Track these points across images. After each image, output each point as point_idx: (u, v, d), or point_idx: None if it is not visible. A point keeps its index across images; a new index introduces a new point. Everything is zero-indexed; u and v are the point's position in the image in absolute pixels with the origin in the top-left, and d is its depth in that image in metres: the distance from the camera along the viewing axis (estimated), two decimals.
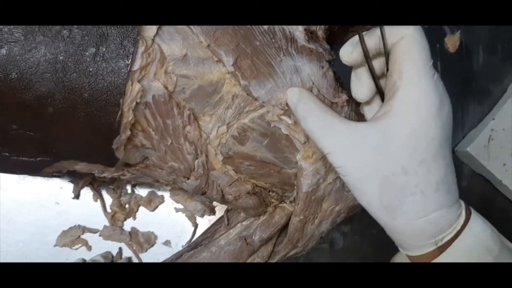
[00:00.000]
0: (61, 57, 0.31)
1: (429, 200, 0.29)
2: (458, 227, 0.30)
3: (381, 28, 0.29)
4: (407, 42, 0.28)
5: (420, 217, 0.29)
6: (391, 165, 0.28)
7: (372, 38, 0.30)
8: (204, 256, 0.42)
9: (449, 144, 0.29)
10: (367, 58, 0.30)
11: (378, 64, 0.31)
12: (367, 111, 0.34)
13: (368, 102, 0.33)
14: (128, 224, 0.49)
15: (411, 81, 0.28)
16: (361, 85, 0.32)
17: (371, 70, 0.31)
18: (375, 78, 0.31)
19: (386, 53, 0.29)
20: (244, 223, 0.43)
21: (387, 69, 0.30)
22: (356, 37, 0.31)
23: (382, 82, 0.32)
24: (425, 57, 0.28)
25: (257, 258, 0.42)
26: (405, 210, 0.29)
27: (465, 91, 0.54)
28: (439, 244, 0.29)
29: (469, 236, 0.30)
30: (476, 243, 0.30)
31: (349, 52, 0.32)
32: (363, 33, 0.31)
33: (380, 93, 0.32)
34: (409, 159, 0.28)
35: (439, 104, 0.28)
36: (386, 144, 0.28)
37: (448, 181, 0.29)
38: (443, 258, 0.30)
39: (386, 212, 0.29)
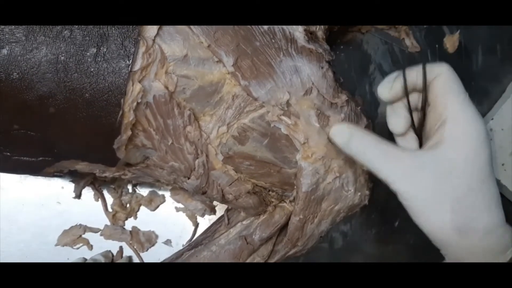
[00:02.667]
0: (62, 57, 0.31)
1: (494, 215, 0.31)
2: None
3: (423, 65, 0.31)
4: (445, 78, 0.31)
5: (488, 232, 0.30)
6: (460, 186, 0.30)
7: (411, 75, 0.32)
8: (204, 255, 0.42)
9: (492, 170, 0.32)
10: (407, 93, 0.33)
11: (412, 99, 0.34)
12: (401, 142, 0.35)
13: (404, 136, 0.35)
14: (129, 224, 0.49)
15: (457, 111, 0.31)
16: (398, 119, 0.34)
17: (409, 105, 0.33)
18: (411, 112, 0.33)
19: (424, 89, 0.32)
20: (244, 222, 0.43)
21: (424, 103, 0.32)
22: (393, 74, 0.33)
23: (414, 115, 0.34)
24: (463, 91, 0.31)
25: (257, 257, 0.42)
26: (477, 227, 0.30)
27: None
28: (507, 260, 0.31)
29: None
30: None
31: (389, 88, 0.33)
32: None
33: (413, 125, 0.34)
34: (471, 178, 0.30)
35: (485, 131, 0.31)
36: (449, 168, 0.30)
37: (499, 198, 0.32)
38: None
39: (459, 232, 0.31)
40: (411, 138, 0.35)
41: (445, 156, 0.31)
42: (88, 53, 0.31)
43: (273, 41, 0.34)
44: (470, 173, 0.30)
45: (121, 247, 0.49)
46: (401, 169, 0.31)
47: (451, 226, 0.31)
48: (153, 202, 0.49)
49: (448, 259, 0.33)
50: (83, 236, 0.48)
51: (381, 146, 0.32)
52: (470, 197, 0.30)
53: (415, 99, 0.34)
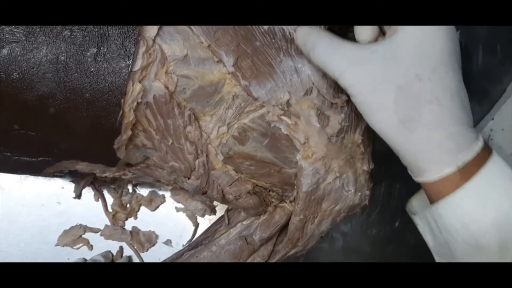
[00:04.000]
0: (62, 57, 0.31)
1: (445, 109, 0.28)
2: (478, 149, 0.29)
3: None
4: None
5: (437, 128, 0.29)
6: (404, 74, 0.28)
7: None
8: (204, 256, 0.42)
9: (459, 65, 0.30)
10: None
11: None
12: None
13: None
14: (129, 224, 0.49)
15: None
16: (364, 29, 0.32)
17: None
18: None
19: None
20: (244, 222, 0.43)
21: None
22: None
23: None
24: None
25: (257, 258, 0.42)
26: (422, 120, 0.28)
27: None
28: (459, 163, 0.29)
29: (495, 166, 0.29)
30: (501, 174, 0.29)
31: (361, 30, 0.32)
32: None
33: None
34: (421, 66, 0.28)
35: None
36: (396, 54, 0.28)
37: (461, 97, 0.29)
38: (469, 188, 0.29)
39: (403, 126, 0.29)
40: None
41: (394, 43, 0.29)
42: (88, 53, 0.31)
43: (273, 41, 0.34)
44: (418, 59, 0.28)
45: (121, 247, 0.49)
46: (349, 59, 0.29)
47: (395, 118, 0.29)
48: (153, 202, 0.49)
49: (402, 159, 0.31)
50: (83, 236, 0.48)
51: (332, 40, 0.30)
52: (415, 85, 0.28)
53: None
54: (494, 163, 0.29)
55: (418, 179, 0.31)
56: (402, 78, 0.28)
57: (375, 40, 0.32)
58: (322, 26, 0.34)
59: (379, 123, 0.30)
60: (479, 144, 0.29)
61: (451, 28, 0.29)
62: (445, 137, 0.29)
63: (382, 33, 0.32)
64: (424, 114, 0.28)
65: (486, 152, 0.30)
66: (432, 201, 0.31)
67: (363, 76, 0.29)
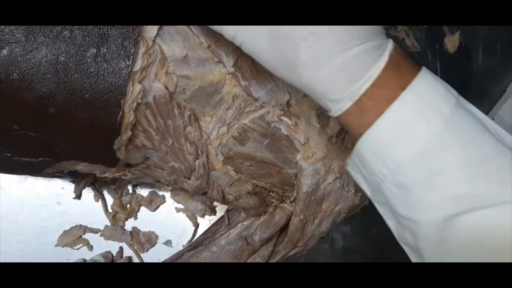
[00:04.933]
0: (62, 58, 0.31)
1: (324, 41, 0.25)
2: (376, 73, 0.25)
3: None
4: None
5: (321, 63, 0.25)
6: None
7: None
8: (204, 256, 0.42)
9: None
10: None
11: None
12: None
13: None
14: (129, 224, 0.49)
15: None
16: None
17: None
18: None
19: None
20: (244, 223, 0.43)
21: None
22: None
23: None
24: None
25: (257, 258, 0.42)
26: (302, 60, 0.26)
27: (465, 91, 0.53)
28: (355, 97, 0.26)
29: (411, 95, 0.26)
30: (419, 103, 0.26)
31: None
32: None
33: None
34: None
35: None
36: None
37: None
38: (381, 124, 0.26)
39: (288, 70, 0.26)
40: None
41: None
42: (88, 54, 0.31)
43: None
44: None
45: (121, 248, 0.49)
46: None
47: (276, 63, 0.27)
48: (153, 203, 0.49)
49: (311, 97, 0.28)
50: (83, 236, 0.48)
51: None
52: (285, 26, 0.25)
53: None
54: (415, 88, 0.26)
55: (329, 114, 0.28)
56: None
57: None
58: None
59: (270, 69, 0.28)
60: (379, 65, 0.25)
61: None
62: (332, 70, 0.25)
63: None
64: (303, 53, 0.25)
65: (401, 72, 0.26)
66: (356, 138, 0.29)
67: (240, 27, 0.27)
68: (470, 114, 0.27)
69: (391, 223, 0.31)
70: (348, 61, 0.25)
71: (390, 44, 0.26)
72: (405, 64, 0.27)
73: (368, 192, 0.31)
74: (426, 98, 0.26)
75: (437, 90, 0.26)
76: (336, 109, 0.27)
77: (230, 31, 0.28)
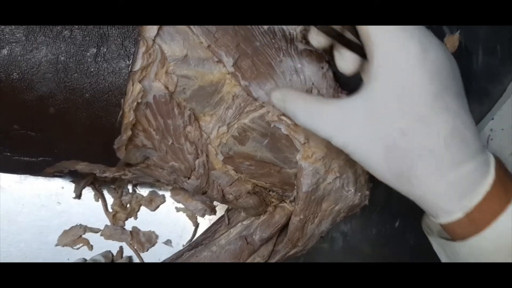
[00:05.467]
0: (62, 58, 0.31)
1: (440, 158, 0.27)
2: (485, 188, 0.27)
3: None
4: None
5: (435, 179, 0.27)
6: (387, 131, 0.27)
7: None
8: (204, 256, 0.42)
9: (453, 92, 0.27)
10: (334, 35, 0.29)
11: (351, 35, 0.30)
12: (365, 79, 0.32)
13: (363, 70, 0.31)
14: (129, 224, 0.49)
15: (381, 40, 0.26)
16: (344, 60, 0.30)
17: (346, 43, 0.29)
18: (355, 47, 0.29)
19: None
20: (244, 222, 0.43)
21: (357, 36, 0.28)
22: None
23: None
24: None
25: (257, 258, 0.42)
26: (418, 174, 0.27)
27: (464, 91, 0.54)
28: (467, 209, 0.27)
29: None
30: None
31: (314, 36, 0.30)
32: None
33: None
34: (404, 119, 0.26)
35: (419, 52, 0.26)
36: (376, 111, 0.27)
37: (461, 133, 0.27)
38: (487, 234, 0.27)
39: (400, 181, 0.28)
40: None
41: (371, 97, 0.27)
42: (88, 53, 0.31)
43: (273, 41, 0.34)
44: (399, 113, 0.26)
45: (121, 247, 0.49)
46: (333, 124, 0.28)
47: (390, 175, 0.28)
48: (153, 202, 0.49)
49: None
50: (83, 236, 0.48)
51: (309, 105, 0.29)
52: (402, 141, 0.27)
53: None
54: None
55: (433, 220, 0.30)
56: (386, 136, 0.27)
57: (358, 68, 0.31)
58: (312, 90, 0.34)
59: (380, 178, 0.29)
60: (487, 181, 0.27)
61: (433, 65, 0.26)
62: (446, 185, 0.27)
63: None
64: (418, 168, 0.27)
65: (505, 185, 0.28)
66: (450, 235, 0.30)
67: (350, 138, 0.28)
68: None
69: None
70: (461, 177, 0.27)
71: (492, 159, 0.28)
72: (507, 177, 0.28)
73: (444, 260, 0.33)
74: None
75: None
76: (446, 218, 0.28)
77: (341, 140, 0.29)
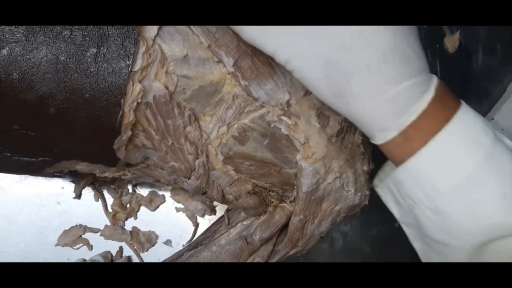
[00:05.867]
0: (62, 58, 0.31)
1: (379, 75, 0.26)
2: (422, 107, 0.27)
3: None
4: None
5: (373, 96, 0.27)
6: (330, 46, 0.26)
7: None
8: (204, 256, 0.42)
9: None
10: None
11: None
12: None
13: None
14: (129, 224, 0.49)
15: None
16: None
17: None
18: None
19: None
20: (244, 222, 0.43)
21: None
22: None
23: None
24: None
25: (257, 258, 0.42)
26: (354, 91, 0.27)
27: (464, 91, 0.54)
28: (402, 127, 0.27)
29: (455, 128, 0.27)
30: (463, 135, 0.27)
31: None
32: None
33: None
34: (346, 34, 0.26)
35: None
36: (324, 26, 0.26)
37: (403, 51, 0.26)
38: (425, 152, 0.27)
39: (339, 99, 0.28)
40: None
41: None
42: (88, 53, 0.31)
43: None
44: (341, 28, 0.26)
45: (121, 247, 0.49)
46: (280, 37, 0.28)
47: (329, 93, 0.28)
48: (153, 202, 0.49)
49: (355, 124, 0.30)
50: (83, 236, 0.48)
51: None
52: (342, 57, 0.26)
53: None
54: (458, 120, 0.27)
55: (371, 141, 0.30)
56: (328, 52, 0.27)
57: None
58: None
59: (319, 96, 0.29)
60: (425, 99, 0.27)
61: None
62: (382, 103, 0.27)
63: None
64: (355, 85, 0.27)
65: (445, 105, 0.27)
66: (395, 165, 0.30)
67: (294, 53, 0.28)
68: (506, 148, 0.28)
69: (417, 244, 0.33)
70: (398, 94, 0.27)
71: (435, 79, 0.28)
72: (449, 98, 0.28)
73: (396, 213, 0.33)
74: (469, 131, 0.28)
75: (477, 124, 0.28)
76: (381, 138, 0.28)
77: (283, 56, 0.28)
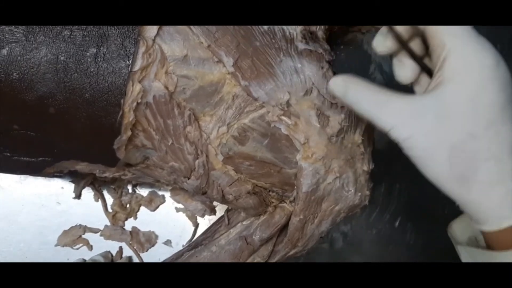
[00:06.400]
0: (62, 58, 0.31)
1: (504, 165, 0.28)
2: None
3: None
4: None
5: (496, 185, 0.28)
6: (457, 132, 0.28)
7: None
8: (204, 256, 0.42)
9: None
10: (402, 41, 0.30)
11: (415, 46, 0.31)
12: (418, 91, 0.33)
13: (418, 82, 0.32)
14: (129, 224, 0.49)
15: (456, 44, 0.28)
16: (403, 68, 0.32)
17: (410, 52, 0.30)
18: (417, 58, 0.31)
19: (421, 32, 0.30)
20: (244, 222, 0.43)
21: (427, 47, 0.30)
22: (385, 27, 0.31)
23: (426, 61, 0.31)
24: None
25: (257, 258, 0.42)
26: (479, 178, 0.28)
27: None
28: None
29: None
30: None
31: (382, 41, 0.31)
32: None
33: (426, 71, 0.32)
34: (474, 124, 0.27)
35: (493, 62, 0.27)
36: (447, 111, 0.28)
37: None
38: None
39: (459, 184, 0.28)
40: (426, 84, 0.32)
41: (444, 97, 0.28)
42: (88, 53, 0.31)
43: (273, 41, 0.34)
44: (471, 117, 0.27)
45: (120, 248, 0.49)
46: (400, 114, 0.29)
47: (449, 176, 0.28)
48: (153, 203, 0.49)
49: (461, 207, 0.30)
50: (83, 236, 0.48)
51: (378, 94, 0.30)
52: (469, 144, 0.28)
53: (418, 43, 0.31)
54: None
55: (477, 227, 0.31)
56: (455, 137, 0.28)
57: (419, 80, 0.32)
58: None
59: (435, 178, 0.29)
60: None
61: (504, 77, 0.28)
62: (504, 193, 0.28)
63: (426, 72, 0.32)
64: (481, 173, 0.28)
65: None
66: (489, 245, 0.31)
67: (416, 132, 0.28)
68: None
69: None
70: None
71: None
72: None
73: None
74: None
75: None
76: (496, 224, 0.29)
77: (405, 132, 0.29)
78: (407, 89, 0.32)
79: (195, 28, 0.33)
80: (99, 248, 0.48)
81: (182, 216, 0.50)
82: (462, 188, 0.29)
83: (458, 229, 0.35)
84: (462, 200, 0.29)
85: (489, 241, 0.30)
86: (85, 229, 0.48)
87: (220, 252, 0.42)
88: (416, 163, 0.30)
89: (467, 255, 0.33)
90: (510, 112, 0.28)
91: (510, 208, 0.28)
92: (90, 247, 0.48)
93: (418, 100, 0.29)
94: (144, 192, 0.49)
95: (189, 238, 0.50)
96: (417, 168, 0.30)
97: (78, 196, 0.48)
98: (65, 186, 0.48)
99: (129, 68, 0.31)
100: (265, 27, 0.34)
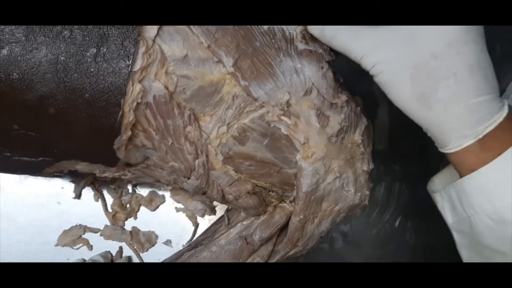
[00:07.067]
0: (62, 58, 0.31)
1: (464, 84, 0.29)
2: (500, 119, 0.29)
3: None
4: None
5: (456, 102, 0.29)
6: (420, 53, 0.29)
7: None
8: (204, 256, 0.42)
9: (481, 32, 0.30)
10: None
11: None
12: None
13: None
14: (129, 224, 0.49)
15: None
16: None
17: None
18: None
19: None
20: (244, 222, 0.43)
21: None
22: None
23: None
24: None
25: (257, 258, 0.42)
26: (439, 96, 0.29)
27: None
28: (479, 135, 0.29)
29: None
30: None
31: None
32: None
33: None
34: (437, 43, 0.29)
35: None
36: (413, 33, 0.29)
37: (484, 67, 0.29)
38: (496, 163, 0.29)
39: (420, 103, 0.29)
40: None
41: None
42: (88, 53, 0.31)
43: (273, 41, 0.34)
44: (433, 37, 0.29)
45: (120, 248, 0.49)
46: (370, 40, 0.30)
47: (411, 96, 0.30)
48: (153, 202, 0.49)
49: (426, 132, 0.31)
50: (83, 236, 0.48)
51: (352, 28, 0.31)
52: (430, 63, 0.29)
53: None
54: None
55: (442, 150, 0.31)
56: (418, 57, 0.29)
57: None
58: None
59: (399, 100, 0.30)
60: (502, 113, 0.29)
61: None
62: (464, 110, 0.29)
63: None
64: (441, 90, 0.29)
65: None
66: (460, 174, 0.31)
67: (382, 57, 0.30)
68: None
69: (465, 252, 0.34)
70: (479, 104, 0.29)
71: (505, 100, 0.30)
72: None
73: (450, 220, 0.34)
74: None
75: None
76: (457, 144, 0.30)
77: (372, 59, 0.30)
78: None
79: (195, 28, 0.33)
80: (99, 248, 0.48)
81: (182, 216, 0.50)
82: (423, 108, 0.30)
83: (438, 183, 0.36)
84: (425, 122, 0.30)
85: (456, 164, 0.31)
86: (85, 229, 0.48)
87: (220, 252, 0.42)
88: (384, 89, 0.31)
89: (441, 199, 0.34)
90: (474, 34, 0.29)
91: (470, 127, 0.29)
92: (90, 247, 0.48)
93: (385, 28, 0.30)
94: (144, 192, 0.49)
95: (189, 238, 0.50)
96: (386, 95, 0.31)
97: (78, 196, 0.48)
98: (65, 186, 0.48)
99: (129, 68, 0.31)
100: (265, 27, 0.34)
